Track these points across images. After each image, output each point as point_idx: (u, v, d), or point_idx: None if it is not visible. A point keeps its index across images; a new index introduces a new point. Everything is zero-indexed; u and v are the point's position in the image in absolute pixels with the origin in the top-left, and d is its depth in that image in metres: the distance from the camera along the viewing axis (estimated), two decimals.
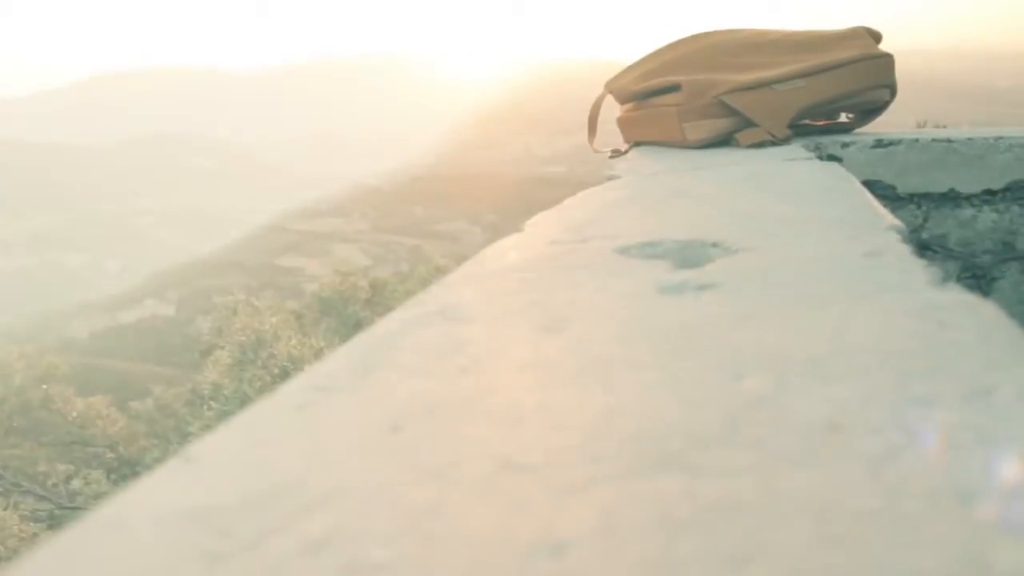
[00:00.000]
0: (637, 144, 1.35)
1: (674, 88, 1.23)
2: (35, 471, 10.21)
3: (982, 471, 0.22)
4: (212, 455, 0.28)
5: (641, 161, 1.14)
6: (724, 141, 1.20)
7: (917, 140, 1.22)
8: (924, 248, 1.22)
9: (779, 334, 0.34)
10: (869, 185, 1.14)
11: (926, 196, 1.22)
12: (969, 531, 0.19)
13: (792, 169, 0.89)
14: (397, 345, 0.38)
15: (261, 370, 8.97)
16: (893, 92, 1.30)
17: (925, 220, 1.23)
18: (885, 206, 0.64)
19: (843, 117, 1.34)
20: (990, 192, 1.21)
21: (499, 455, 0.26)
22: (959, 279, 1.22)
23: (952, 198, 1.22)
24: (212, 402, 8.95)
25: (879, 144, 1.21)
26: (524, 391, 0.31)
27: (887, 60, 1.27)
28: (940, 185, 1.22)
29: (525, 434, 0.27)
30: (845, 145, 1.21)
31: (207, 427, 8.10)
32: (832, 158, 1.19)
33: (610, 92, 1.40)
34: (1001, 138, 1.21)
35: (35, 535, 7.49)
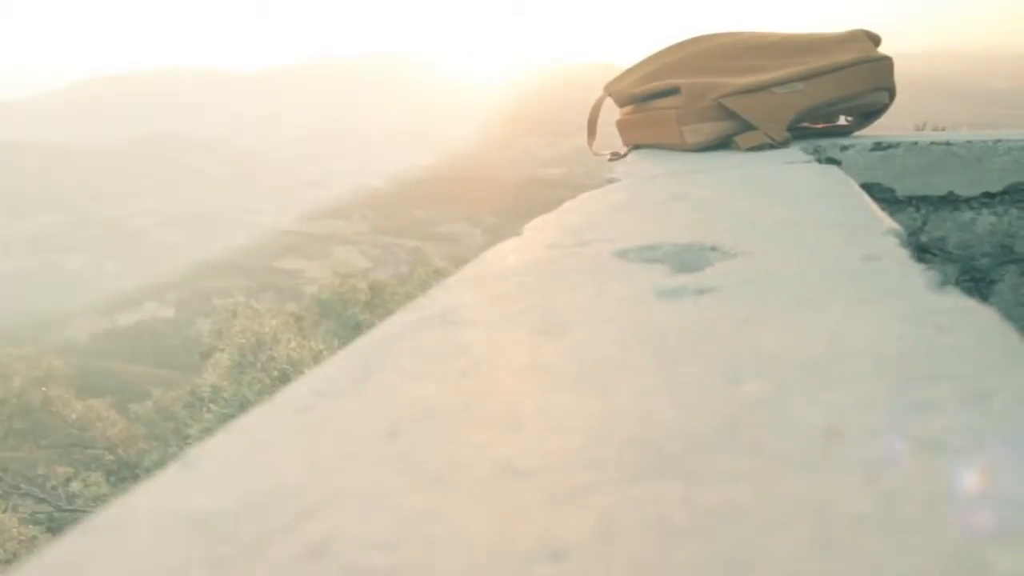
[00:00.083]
0: (636, 147, 1.35)
1: (673, 91, 1.24)
2: (34, 473, 10.20)
3: (978, 477, 0.22)
4: (212, 459, 0.28)
5: (640, 164, 1.14)
6: (723, 144, 1.20)
7: (916, 143, 1.22)
8: (923, 251, 1.22)
9: (778, 338, 0.34)
10: (868, 188, 1.14)
11: (925, 199, 1.23)
12: (966, 537, 0.19)
13: (791, 172, 0.90)
14: (397, 349, 0.38)
15: (261, 373, 8.97)
16: (892, 95, 1.30)
17: (924, 223, 1.23)
18: (884, 209, 0.64)
19: (842, 120, 1.34)
20: (989, 195, 1.21)
21: (498, 460, 0.26)
22: (958, 282, 1.22)
23: (951, 201, 1.22)
24: (211, 405, 8.96)
25: (878, 147, 1.22)
26: (523, 395, 0.31)
27: (886, 63, 1.27)
28: (939, 188, 1.22)
29: (524, 439, 0.27)
30: (844, 148, 1.22)
31: (206, 430, 8.11)
32: (831, 161, 1.19)
33: (609, 95, 1.40)
34: (1000, 141, 1.21)
35: (34, 538, 7.49)
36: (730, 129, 1.19)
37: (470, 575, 0.20)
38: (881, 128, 1.35)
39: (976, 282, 1.23)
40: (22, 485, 9.73)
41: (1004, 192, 1.21)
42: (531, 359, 0.35)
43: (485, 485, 0.24)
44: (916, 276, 0.41)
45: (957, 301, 0.37)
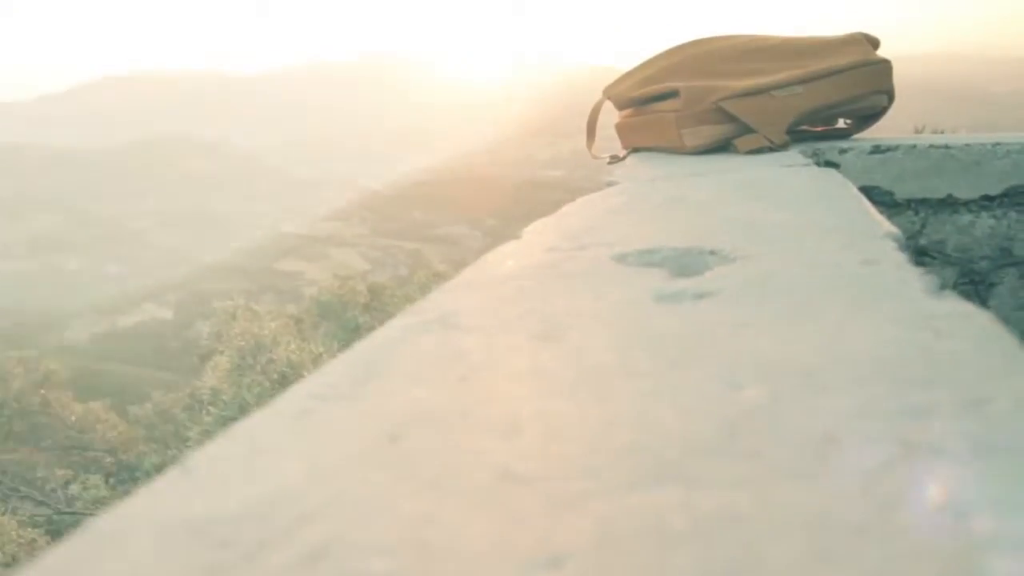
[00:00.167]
0: (635, 150, 1.35)
1: (672, 94, 1.24)
2: (34, 476, 10.19)
3: (974, 484, 0.22)
4: (211, 464, 0.28)
5: (639, 167, 1.14)
6: (722, 147, 1.20)
7: (915, 146, 1.22)
8: (922, 254, 1.23)
9: (776, 343, 0.34)
10: (867, 191, 1.15)
11: (924, 202, 1.23)
12: (963, 544, 0.20)
13: (790, 175, 0.90)
14: (396, 353, 0.38)
15: (260, 375, 8.96)
16: (891, 98, 1.30)
17: (923, 226, 1.23)
18: (883, 212, 0.64)
19: (841, 123, 1.34)
20: (988, 198, 1.22)
21: (497, 465, 0.26)
22: (957, 285, 1.22)
23: (950, 204, 1.22)
24: (211, 407, 8.95)
25: (877, 150, 1.22)
26: (522, 401, 0.31)
27: (885, 66, 1.27)
28: (938, 191, 1.22)
29: (523, 444, 0.27)
30: (843, 151, 1.22)
31: (206, 432, 8.10)
32: (830, 164, 1.19)
33: (608, 98, 1.40)
34: (999, 144, 1.21)
35: (33, 540, 7.48)
36: (729, 132, 1.19)
37: None
38: (880, 131, 1.35)
39: (975, 285, 1.23)
40: (21, 488, 9.72)
41: (1003, 195, 1.21)
42: (530, 364, 0.35)
43: (484, 490, 0.24)
44: (914, 280, 0.41)
45: (955, 306, 0.37)
